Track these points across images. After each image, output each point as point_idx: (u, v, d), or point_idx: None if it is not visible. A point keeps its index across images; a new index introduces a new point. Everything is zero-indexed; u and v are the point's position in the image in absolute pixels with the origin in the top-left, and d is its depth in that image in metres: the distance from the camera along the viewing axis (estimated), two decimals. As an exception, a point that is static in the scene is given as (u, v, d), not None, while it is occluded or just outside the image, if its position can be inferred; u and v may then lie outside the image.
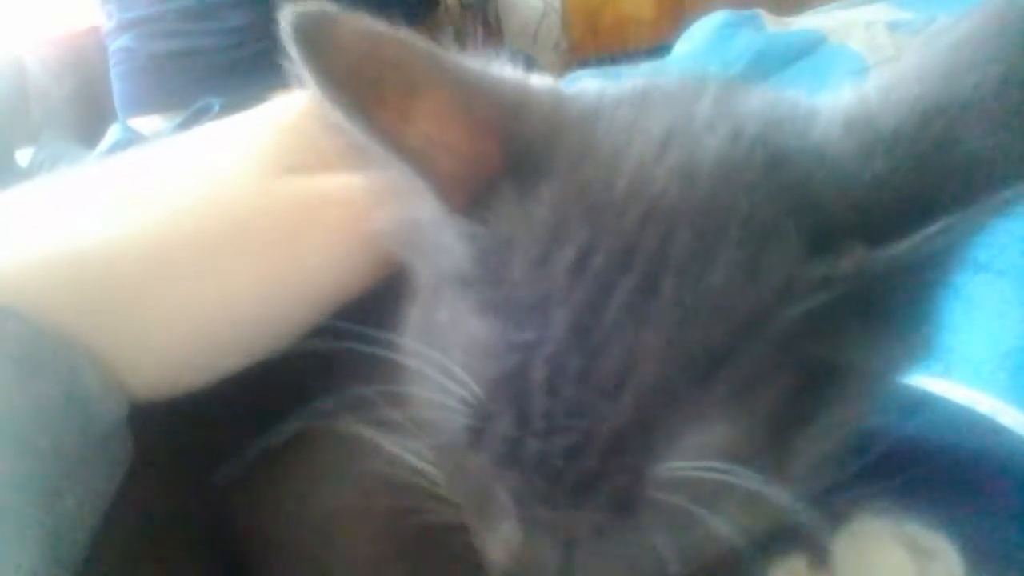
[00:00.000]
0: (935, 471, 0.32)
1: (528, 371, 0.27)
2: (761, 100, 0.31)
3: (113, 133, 1.14)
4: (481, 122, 0.30)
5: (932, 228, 0.24)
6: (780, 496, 0.26)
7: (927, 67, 0.27)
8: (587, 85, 0.35)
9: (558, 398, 0.27)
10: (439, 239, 0.30)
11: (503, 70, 0.33)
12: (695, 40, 0.90)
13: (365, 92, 0.29)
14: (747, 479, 0.26)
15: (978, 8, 0.28)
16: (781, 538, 0.30)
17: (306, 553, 0.38)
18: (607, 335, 0.26)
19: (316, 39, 0.28)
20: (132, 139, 1.07)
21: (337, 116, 0.29)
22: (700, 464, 0.26)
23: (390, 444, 0.31)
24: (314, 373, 0.33)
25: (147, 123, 1.32)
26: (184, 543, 0.40)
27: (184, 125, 0.86)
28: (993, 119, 0.25)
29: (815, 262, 0.26)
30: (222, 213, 0.34)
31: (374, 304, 0.35)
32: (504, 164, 0.29)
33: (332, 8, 0.29)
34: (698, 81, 0.33)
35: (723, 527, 0.26)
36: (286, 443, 0.34)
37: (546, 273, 0.27)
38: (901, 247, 0.25)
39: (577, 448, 0.27)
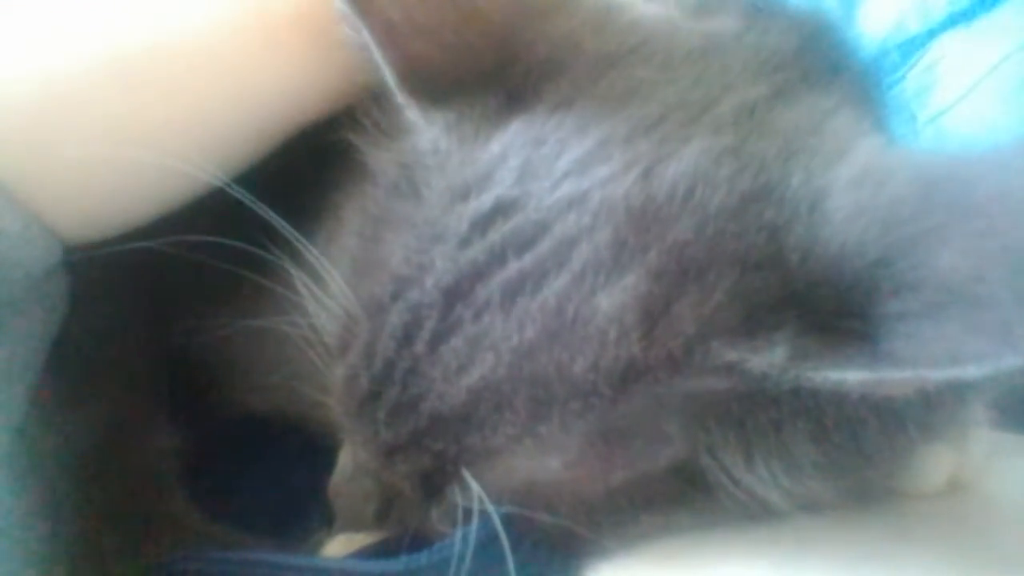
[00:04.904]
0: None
1: (390, 309, 0.25)
2: (797, 118, 0.26)
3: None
4: (483, 17, 0.27)
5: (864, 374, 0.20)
6: None
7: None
8: (654, 11, 0.30)
9: (405, 352, 0.24)
10: (385, 115, 0.28)
11: None
12: None
13: None
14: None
15: None
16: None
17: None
18: (472, 313, 0.23)
19: None
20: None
21: None
22: (494, 495, 0.24)
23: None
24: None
25: None
26: (128, 376, 0.39)
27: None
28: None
29: (728, 338, 0.22)
30: (176, 38, 0.30)
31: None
32: (496, 76, 0.27)
33: None
34: (766, 61, 0.28)
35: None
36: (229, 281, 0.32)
37: (456, 212, 0.25)
38: (820, 373, 0.21)
39: (402, 411, 0.25)
